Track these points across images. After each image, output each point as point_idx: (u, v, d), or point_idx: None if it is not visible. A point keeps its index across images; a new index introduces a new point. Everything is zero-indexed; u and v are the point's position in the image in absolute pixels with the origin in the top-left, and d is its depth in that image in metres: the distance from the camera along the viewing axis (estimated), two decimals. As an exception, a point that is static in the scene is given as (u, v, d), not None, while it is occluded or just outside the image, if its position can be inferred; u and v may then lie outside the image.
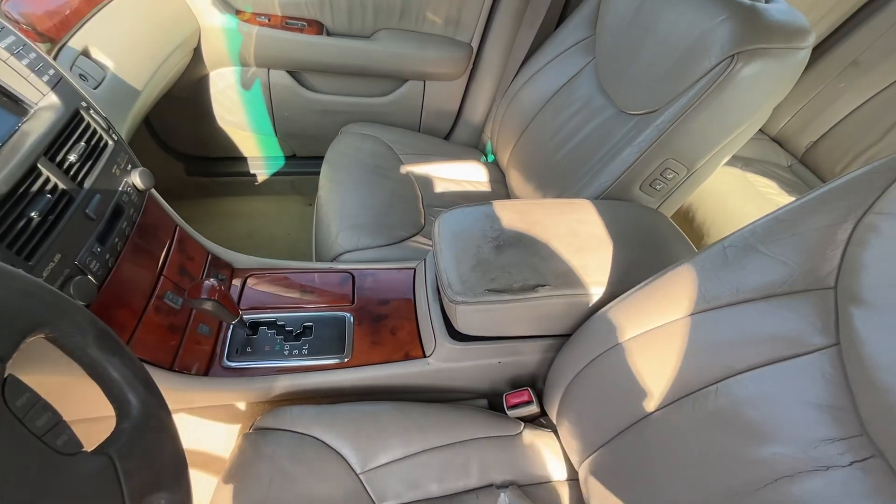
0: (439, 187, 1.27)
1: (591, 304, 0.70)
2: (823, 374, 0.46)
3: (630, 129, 0.92)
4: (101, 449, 0.37)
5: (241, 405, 0.75)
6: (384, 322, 0.81)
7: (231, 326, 0.76)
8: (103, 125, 0.65)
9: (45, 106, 0.58)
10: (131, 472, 0.37)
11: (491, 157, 1.44)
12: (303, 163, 1.61)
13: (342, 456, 0.67)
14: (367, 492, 0.66)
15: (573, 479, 0.73)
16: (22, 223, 0.50)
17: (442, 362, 0.76)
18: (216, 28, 1.22)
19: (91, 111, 0.63)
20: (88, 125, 0.62)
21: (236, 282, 0.85)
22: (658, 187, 0.89)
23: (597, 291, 0.69)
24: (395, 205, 1.15)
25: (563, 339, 0.75)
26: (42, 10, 0.77)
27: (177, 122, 1.43)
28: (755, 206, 1.32)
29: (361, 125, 1.38)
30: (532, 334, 0.74)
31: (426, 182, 1.26)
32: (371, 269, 0.90)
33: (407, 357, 0.76)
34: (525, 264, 0.69)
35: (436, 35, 1.37)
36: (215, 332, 0.75)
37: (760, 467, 0.47)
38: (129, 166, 0.68)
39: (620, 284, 0.69)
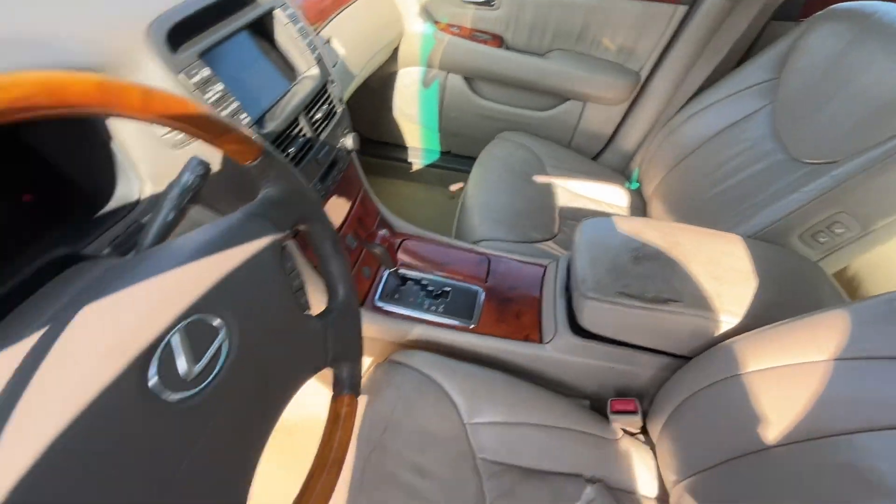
0: (578, 203, 1.32)
1: (719, 332, 0.70)
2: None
3: (800, 176, 0.89)
4: (320, 317, 0.51)
5: (379, 341, 0.89)
6: (510, 305, 0.90)
7: (387, 274, 0.91)
8: (338, 96, 0.84)
9: (308, 76, 0.78)
10: (334, 339, 0.51)
11: (635, 185, 1.45)
12: (454, 160, 1.77)
13: (455, 404, 0.77)
14: (468, 440, 0.74)
15: (662, 499, 0.74)
16: None
17: (557, 352, 0.82)
18: (416, 34, 1.44)
19: (333, 84, 0.83)
20: (330, 95, 0.81)
21: (394, 241, 1.00)
22: (821, 240, 0.85)
23: (729, 320, 0.69)
24: (534, 210, 1.23)
25: (679, 360, 0.76)
26: (310, 2, 1.00)
27: (362, 106, 1.69)
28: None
29: (516, 134, 1.49)
30: (651, 347, 0.76)
31: (567, 196, 1.32)
32: (506, 258, 0.99)
33: (526, 339, 0.84)
34: (660, 278, 0.73)
35: (606, 60, 1.43)
36: (373, 276, 0.91)
37: (887, 529, 0.45)
38: (347, 130, 0.87)
39: (755, 320, 0.69)
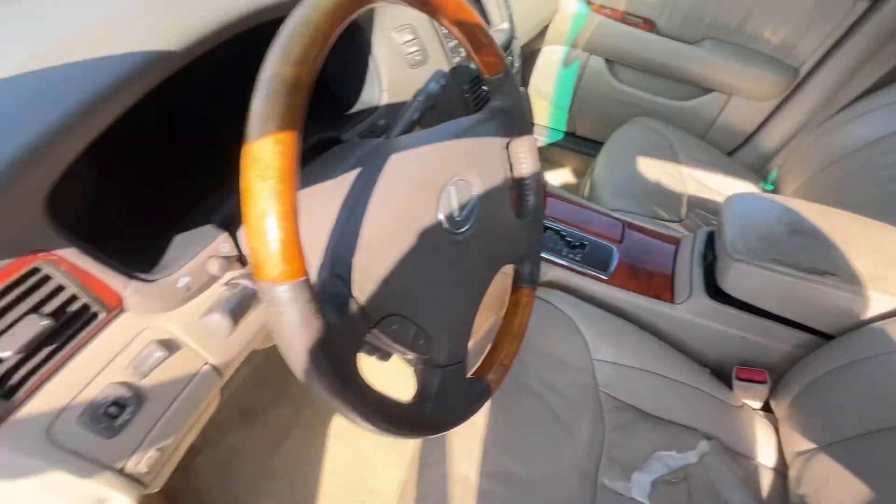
0: (708, 195, 1.32)
1: (876, 312, 0.70)
2: None
3: None
4: (517, 217, 0.60)
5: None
6: (643, 266, 0.94)
7: (530, 220, 0.99)
8: (517, 52, 0.93)
9: (500, 29, 0.88)
10: (524, 239, 0.60)
11: (770, 187, 1.40)
12: (577, 141, 1.81)
13: (584, 339, 0.84)
14: (594, 373, 0.81)
15: (780, 469, 0.75)
16: None
17: (688, 314, 0.85)
18: (569, 13, 1.49)
19: (516, 41, 0.92)
20: (513, 50, 0.91)
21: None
22: None
23: (892, 302, 0.69)
24: (663, 193, 1.25)
25: (818, 338, 0.77)
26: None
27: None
28: None
29: (650, 120, 1.49)
30: (794, 319, 0.77)
31: (697, 186, 1.32)
32: (640, 226, 1.04)
33: (657, 298, 0.88)
34: (818, 252, 0.74)
35: (762, 53, 1.39)
36: (516, 221, 1.00)
37: None
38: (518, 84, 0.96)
39: (921, 309, 0.68)
